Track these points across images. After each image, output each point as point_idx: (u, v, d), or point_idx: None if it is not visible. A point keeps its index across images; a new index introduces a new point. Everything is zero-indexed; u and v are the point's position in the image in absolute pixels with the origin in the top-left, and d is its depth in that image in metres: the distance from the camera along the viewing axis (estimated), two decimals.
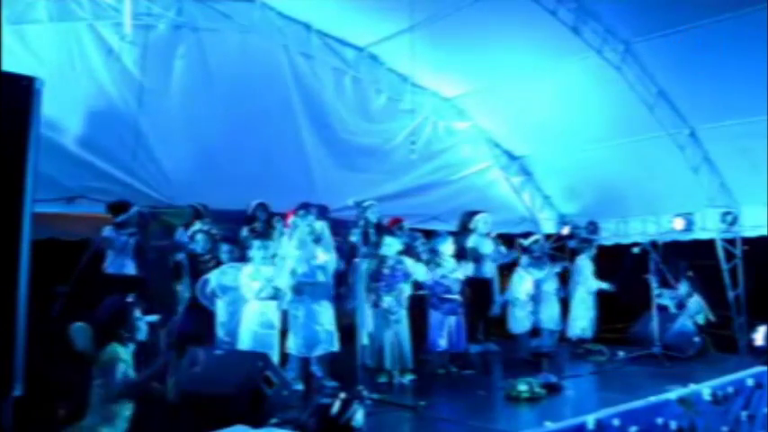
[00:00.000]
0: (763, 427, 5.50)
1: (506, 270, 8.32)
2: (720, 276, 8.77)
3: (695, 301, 8.32)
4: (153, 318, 4.24)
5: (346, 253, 6.60)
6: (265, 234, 6.21)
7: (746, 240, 8.71)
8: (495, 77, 8.59)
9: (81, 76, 6.60)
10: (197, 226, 6.45)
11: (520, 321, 7.86)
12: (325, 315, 5.74)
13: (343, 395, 3.28)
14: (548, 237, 10.40)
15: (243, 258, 6.06)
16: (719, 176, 8.55)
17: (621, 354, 7.53)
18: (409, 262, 6.43)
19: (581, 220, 10.18)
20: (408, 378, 6.11)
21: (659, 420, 4.57)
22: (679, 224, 8.84)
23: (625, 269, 8.27)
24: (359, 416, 3.20)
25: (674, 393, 4.84)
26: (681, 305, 8.28)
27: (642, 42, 7.41)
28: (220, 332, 5.88)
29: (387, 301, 6.14)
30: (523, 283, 7.91)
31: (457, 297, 6.67)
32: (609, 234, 10.02)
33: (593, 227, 9.95)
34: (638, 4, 6.94)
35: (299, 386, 5.52)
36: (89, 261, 5.99)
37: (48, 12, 6.37)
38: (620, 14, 7.24)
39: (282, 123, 8.00)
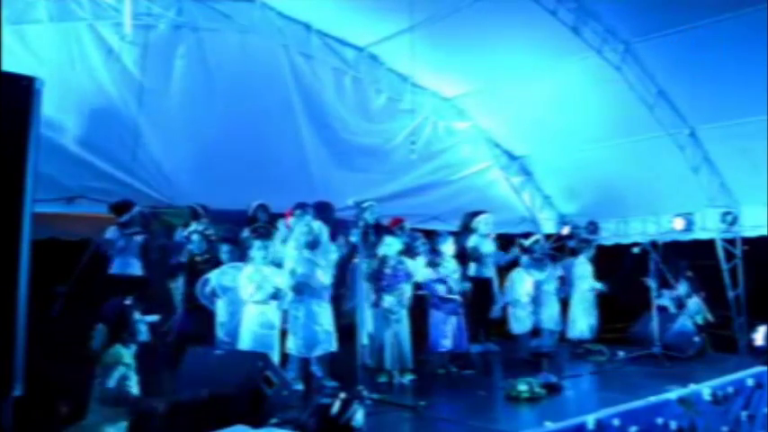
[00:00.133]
0: (763, 427, 5.51)
1: (506, 270, 8.31)
2: (720, 276, 8.79)
3: (695, 302, 8.31)
4: (153, 318, 4.26)
5: (346, 253, 6.60)
6: (267, 234, 6.21)
7: (746, 240, 8.72)
8: (495, 77, 8.59)
9: (81, 76, 6.61)
10: (193, 227, 6.46)
11: (521, 321, 7.84)
12: (325, 315, 5.74)
13: (343, 395, 3.27)
14: (548, 237, 10.40)
15: (243, 259, 6.06)
16: (719, 176, 8.56)
17: (621, 354, 7.51)
18: (410, 262, 6.42)
19: (581, 220, 10.18)
20: (408, 378, 6.10)
21: (659, 420, 4.58)
22: (679, 224, 8.84)
23: (625, 269, 8.27)
24: (359, 416, 3.19)
25: (674, 393, 4.85)
26: (681, 305, 8.28)
27: (642, 42, 7.42)
28: (220, 332, 5.87)
29: (388, 301, 6.14)
30: (524, 283, 7.90)
31: (457, 297, 6.67)
32: (609, 234, 10.03)
33: (593, 227, 9.95)
34: (638, 4, 6.95)
35: (299, 386, 5.51)
36: (89, 261, 6.00)
37: (48, 12, 6.38)
38: (619, 14, 7.25)
39: (282, 123, 8.00)
